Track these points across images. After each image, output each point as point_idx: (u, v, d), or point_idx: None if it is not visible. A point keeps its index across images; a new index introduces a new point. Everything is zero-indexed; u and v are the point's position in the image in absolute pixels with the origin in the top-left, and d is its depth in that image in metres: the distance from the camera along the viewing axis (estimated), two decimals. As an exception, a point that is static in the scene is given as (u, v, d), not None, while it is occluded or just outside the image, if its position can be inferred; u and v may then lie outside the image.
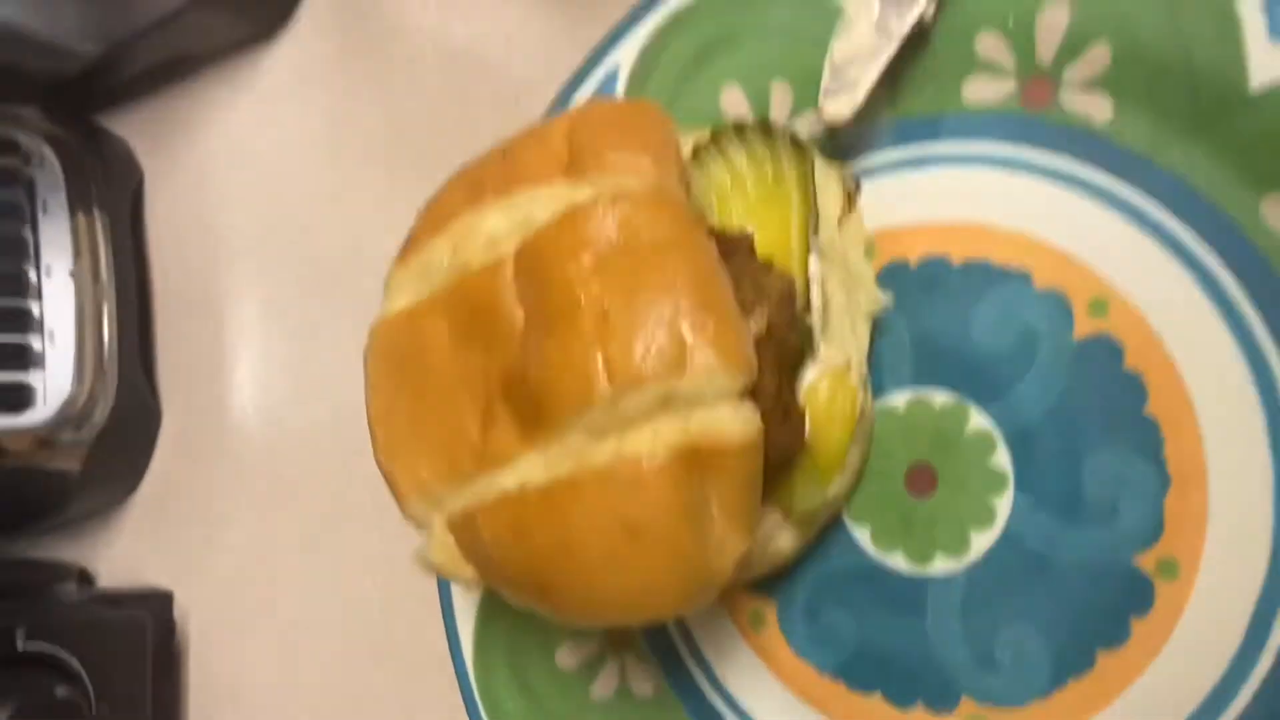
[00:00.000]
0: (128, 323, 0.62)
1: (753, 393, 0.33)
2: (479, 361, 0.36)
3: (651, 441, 0.32)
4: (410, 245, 0.39)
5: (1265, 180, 0.33)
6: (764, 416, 0.34)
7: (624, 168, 0.35)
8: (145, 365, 0.64)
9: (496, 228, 0.36)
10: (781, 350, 0.35)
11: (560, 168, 0.36)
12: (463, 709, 0.47)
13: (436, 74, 0.55)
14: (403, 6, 0.56)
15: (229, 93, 0.62)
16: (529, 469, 0.34)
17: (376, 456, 0.38)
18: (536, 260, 0.34)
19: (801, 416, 0.37)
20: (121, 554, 0.65)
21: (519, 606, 0.36)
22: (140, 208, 0.66)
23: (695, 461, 0.32)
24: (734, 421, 0.32)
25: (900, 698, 0.39)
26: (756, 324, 0.34)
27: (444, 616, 0.47)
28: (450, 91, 0.55)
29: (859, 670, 0.40)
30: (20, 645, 0.50)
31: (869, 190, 0.40)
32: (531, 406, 0.34)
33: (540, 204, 0.35)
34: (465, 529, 0.36)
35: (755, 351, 0.33)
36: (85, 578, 0.65)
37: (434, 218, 0.38)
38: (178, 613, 0.61)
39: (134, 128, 0.66)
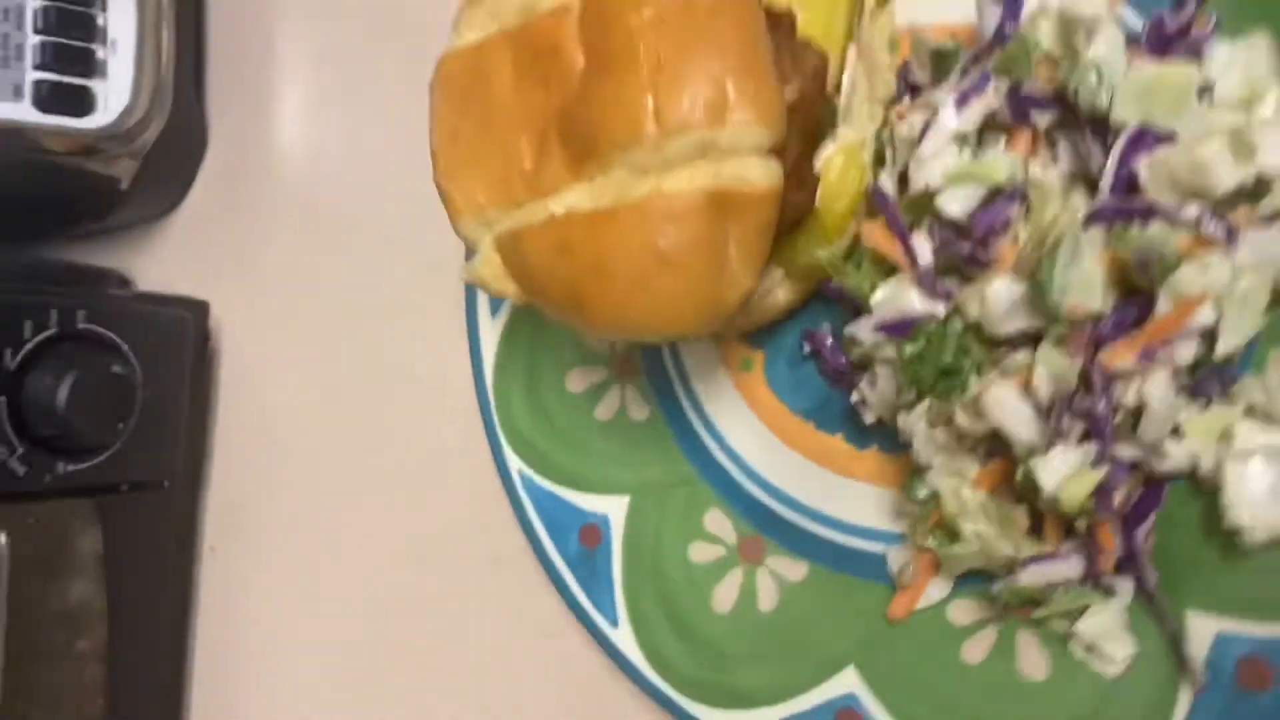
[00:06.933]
0: (185, 47, 0.65)
1: (778, 153, 0.38)
2: (539, 98, 0.40)
3: (687, 182, 0.37)
4: (483, -15, 0.42)
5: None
6: (784, 177, 0.39)
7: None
8: (198, 91, 0.67)
9: (568, -24, 0.40)
10: (808, 120, 0.40)
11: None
12: (482, 440, 0.53)
13: None
14: None
15: None
16: (575, 198, 0.39)
17: (436, 178, 0.43)
18: (601, 9, 0.38)
19: (816, 183, 0.42)
20: (160, 264, 0.70)
21: (553, 319, 0.41)
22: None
23: (722, 204, 0.37)
24: (760, 173, 0.37)
25: (858, 441, 0.45)
26: (790, 93, 0.39)
27: (469, 341, 0.53)
28: None
29: (826, 414, 0.46)
30: (80, 324, 0.55)
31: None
32: (583, 141, 0.38)
33: (609, -39, 0.39)
34: (511, 247, 0.41)
35: (786, 117, 0.38)
36: (124, 283, 0.70)
37: (509, -38, 0.42)
38: (212, 323, 0.66)
39: None
